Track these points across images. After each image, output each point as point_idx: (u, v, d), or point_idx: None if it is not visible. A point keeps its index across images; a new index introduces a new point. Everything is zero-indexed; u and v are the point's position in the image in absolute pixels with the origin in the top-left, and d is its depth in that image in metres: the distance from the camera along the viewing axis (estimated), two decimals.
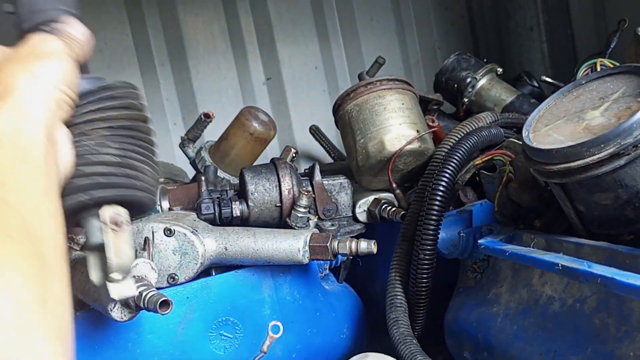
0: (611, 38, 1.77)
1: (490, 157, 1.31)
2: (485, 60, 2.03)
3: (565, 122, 1.03)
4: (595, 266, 0.87)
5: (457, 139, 1.42)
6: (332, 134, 2.26)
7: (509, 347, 1.07)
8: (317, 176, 1.49)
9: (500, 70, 1.97)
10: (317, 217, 1.47)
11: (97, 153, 0.67)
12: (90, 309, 1.15)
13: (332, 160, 2.26)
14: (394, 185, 1.52)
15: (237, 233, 1.28)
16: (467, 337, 1.22)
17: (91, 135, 0.68)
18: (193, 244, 1.24)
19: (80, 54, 0.68)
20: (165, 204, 1.47)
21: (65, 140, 0.64)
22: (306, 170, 1.59)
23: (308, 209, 1.41)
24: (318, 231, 1.33)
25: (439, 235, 1.26)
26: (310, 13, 2.62)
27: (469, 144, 1.34)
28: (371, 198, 1.56)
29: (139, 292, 1.02)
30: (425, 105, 1.74)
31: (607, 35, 1.82)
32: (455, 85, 1.95)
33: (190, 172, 2.07)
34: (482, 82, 1.95)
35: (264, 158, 1.85)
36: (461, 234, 1.29)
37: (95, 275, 0.72)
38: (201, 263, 1.25)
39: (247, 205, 1.42)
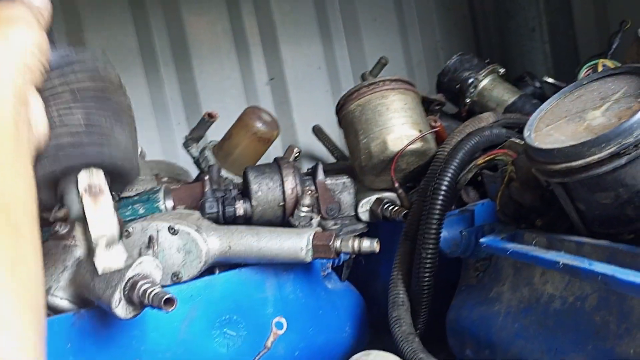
0: (613, 39, 1.78)
1: (492, 156, 1.32)
2: (487, 60, 2.03)
3: (567, 122, 1.04)
4: (596, 264, 0.88)
5: (459, 139, 1.42)
6: (335, 134, 2.27)
7: (511, 345, 1.08)
8: (320, 175, 1.50)
9: (502, 70, 1.98)
10: (320, 216, 1.48)
11: (61, 121, 0.66)
12: (95, 306, 1.16)
13: (334, 160, 2.27)
14: (397, 184, 1.52)
15: (240, 232, 1.29)
16: (469, 335, 1.22)
17: (56, 103, 0.67)
18: (197, 243, 1.25)
19: (43, 22, 0.66)
20: (169, 203, 1.48)
21: (39, 106, 0.63)
22: (309, 170, 1.60)
23: (311, 208, 1.42)
24: (321, 230, 1.33)
25: (441, 235, 1.27)
26: (313, 14, 2.64)
27: (471, 144, 1.35)
28: (374, 197, 1.57)
29: (143, 289, 1.03)
30: (427, 106, 1.74)
31: (609, 36, 1.83)
32: (458, 86, 1.95)
33: (194, 172, 2.08)
34: (484, 82, 1.95)
35: (266, 158, 1.86)
36: (463, 233, 1.29)
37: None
38: (205, 261, 1.26)
39: (251, 204, 1.43)
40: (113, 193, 0.72)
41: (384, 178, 1.56)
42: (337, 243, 1.23)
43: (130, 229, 1.28)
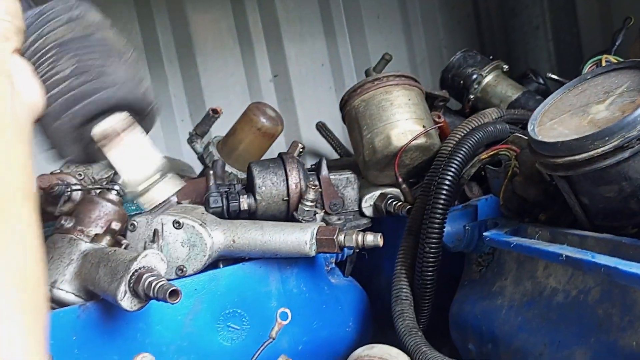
0: (616, 36, 1.78)
1: (495, 151, 1.32)
2: (491, 57, 2.04)
3: (571, 116, 1.04)
4: (598, 256, 0.88)
5: (463, 134, 1.43)
6: (338, 130, 2.27)
7: (513, 338, 1.09)
8: (324, 171, 1.51)
9: (506, 67, 1.98)
10: (323, 211, 1.48)
11: (55, 79, 0.64)
12: (100, 300, 1.16)
13: (338, 157, 2.28)
14: (400, 180, 1.53)
15: (244, 226, 1.29)
16: (471, 329, 1.23)
17: (44, 61, 0.64)
18: (201, 237, 1.25)
19: None
20: (174, 198, 1.48)
21: (26, 70, 0.60)
22: (313, 166, 1.61)
23: (315, 203, 1.42)
24: (324, 225, 1.34)
25: (445, 229, 1.27)
26: (317, 10, 2.64)
27: (474, 140, 1.35)
28: (377, 193, 1.58)
29: (148, 282, 1.03)
30: (431, 102, 1.75)
31: (613, 33, 1.83)
32: (462, 82, 1.96)
33: (197, 168, 2.09)
34: (488, 78, 1.96)
35: (270, 155, 1.86)
36: (466, 228, 1.30)
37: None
38: (209, 255, 1.26)
39: (255, 198, 1.44)
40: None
41: (388, 173, 1.57)
42: (341, 237, 1.23)
43: (135, 223, 1.28)
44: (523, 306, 1.10)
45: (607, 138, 0.92)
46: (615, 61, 1.49)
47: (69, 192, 1.41)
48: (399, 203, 1.50)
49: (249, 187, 1.47)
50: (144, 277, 1.04)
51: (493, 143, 1.41)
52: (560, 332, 0.98)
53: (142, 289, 1.03)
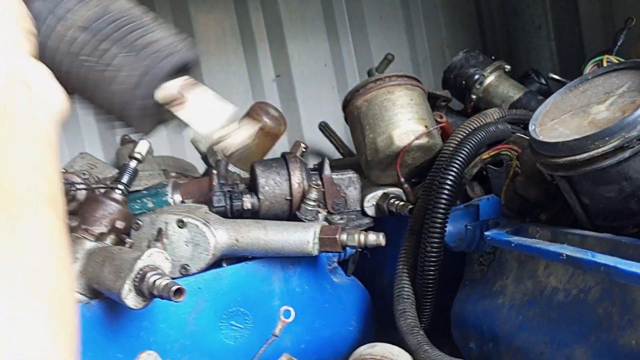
0: (618, 36, 1.79)
1: (497, 151, 1.33)
2: (493, 57, 2.04)
3: (571, 116, 1.05)
4: (599, 256, 0.89)
5: (464, 134, 1.43)
6: (341, 130, 2.28)
7: (514, 337, 1.09)
8: (327, 170, 1.52)
9: (508, 67, 1.99)
10: (326, 210, 1.49)
11: (102, 64, 0.64)
12: (104, 298, 1.18)
13: (340, 157, 2.28)
14: (402, 179, 1.54)
15: (248, 225, 1.30)
16: (472, 328, 1.24)
17: (78, 52, 0.64)
18: (205, 236, 1.26)
19: None
20: (177, 197, 1.50)
21: (44, 74, 0.59)
22: (315, 166, 1.62)
23: (317, 202, 1.43)
24: (327, 224, 1.35)
25: (446, 229, 1.28)
26: (320, 10, 2.64)
27: (476, 140, 1.36)
28: (379, 192, 1.58)
29: (153, 280, 1.05)
30: (433, 102, 1.75)
31: (614, 33, 1.84)
32: (464, 82, 1.96)
33: (201, 168, 2.09)
34: (490, 79, 1.96)
35: (273, 154, 1.87)
36: (468, 228, 1.31)
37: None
38: (213, 254, 1.27)
39: (258, 198, 1.45)
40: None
41: (390, 173, 1.57)
42: (344, 236, 1.24)
43: (139, 222, 1.29)
44: (524, 305, 1.11)
45: (607, 138, 0.92)
46: (617, 62, 1.50)
47: (73, 191, 1.42)
48: (401, 203, 1.51)
49: (252, 187, 1.48)
50: (149, 275, 1.05)
51: (495, 143, 1.41)
52: (560, 331, 0.99)
53: (146, 287, 1.04)
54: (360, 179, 1.58)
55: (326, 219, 1.47)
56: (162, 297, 1.03)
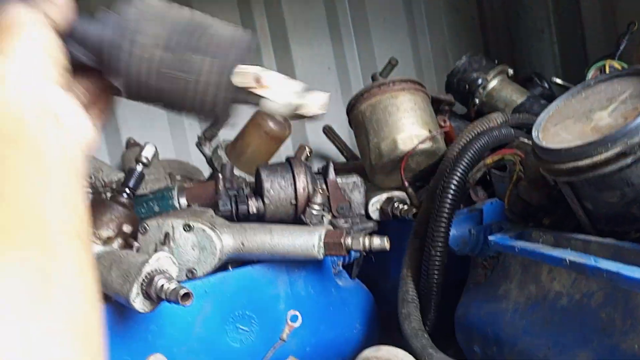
0: (620, 40, 1.80)
1: (500, 156, 1.34)
2: (496, 61, 2.05)
3: (574, 122, 1.06)
4: (601, 261, 0.90)
5: (468, 138, 1.44)
6: (344, 132, 2.29)
7: (518, 341, 1.10)
8: (331, 175, 1.53)
9: (511, 71, 2.00)
10: (330, 214, 1.50)
11: (185, 74, 0.67)
12: (112, 301, 1.19)
13: (344, 159, 2.30)
14: (406, 183, 1.55)
15: (253, 229, 1.31)
16: (476, 331, 1.25)
17: (157, 64, 0.66)
18: (211, 240, 1.28)
19: (60, 17, 0.61)
20: (183, 201, 1.51)
21: (75, 106, 0.59)
22: (319, 170, 1.63)
23: (322, 206, 1.44)
24: (332, 228, 1.36)
25: (450, 233, 1.29)
26: (324, 14, 2.66)
27: (480, 144, 1.36)
28: (384, 196, 1.60)
29: (160, 284, 1.06)
30: (437, 106, 1.76)
31: (617, 37, 1.85)
32: (467, 86, 1.97)
33: (206, 171, 2.11)
34: (493, 83, 1.97)
35: (277, 157, 1.89)
36: (472, 232, 1.31)
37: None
38: (219, 258, 1.28)
39: (263, 202, 1.46)
40: None
41: (394, 177, 1.59)
42: (349, 240, 1.26)
43: (146, 226, 1.30)
44: (527, 309, 1.12)
45: (609, 145, 0.93)
46: (619, 67, 1.51)
47: None
48: (405, 207, 1.52)
49: (258, 191, 1.50)
50: (156, 279, 1.06)
51: (498, 147, 1.42)
52: (563, 335, 1.00)
53: (154, 291, 1.06)
54: (365, 183, 1.60)
55: (331, 223, 1.48)
56: (169, 301, 1.04)
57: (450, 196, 1.28)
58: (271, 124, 1.81)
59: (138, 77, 0.67)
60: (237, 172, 1.78)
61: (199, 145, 1.94)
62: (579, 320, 0.98)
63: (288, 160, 1.54)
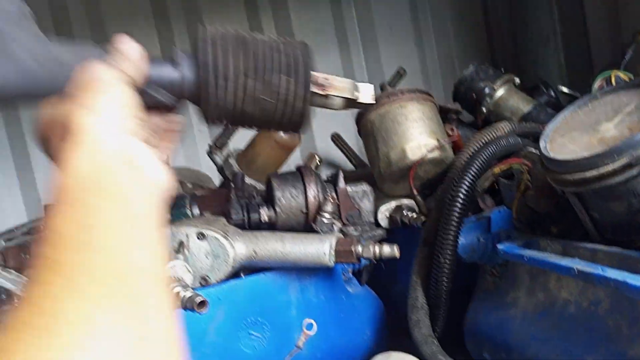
0: (626, 50, 1.81)
1: (508, 165, 1.36)
2: (502, 70, 2.07)
3: (581, 133, 1.08)
4: (609, 270, 0.92)
5: (476, 147, 1.46)
6: (352, 140, 2.31)
7: (526, 348, 1.13)
8: (341, 183, 1.55)
9: (517, 80, 2.02)
10: (340, 222, 1.53)
11: (273, 96, 0.71)
12: None
13: (352, 167, 2.32)
14: (415, 192, 1.57)
15: (265, 237, 1.34)
16: (486, 338, 1.27)
17: (257, 94, 0.71)
18: (224, 248, 1.30)
19: (135, 72, 0.65)
20: (196, 209, 1.54)
21: (151, 155, 0.61)
22: (329, 178, 1.65)
23: (333, 215, 1.46)
24: (342, 236, 1.38)
25: (459, 241, 1.31)
26: (331, 23, 2.69)
27: (487, 153, 1.38)
28: (393, 204, 1.62)
29: (176, 292, 1.08)
30: (444, 115, 1.79)
31: (622, 46, 1.86)
32: (474, 95, 1.99)
33: (216, 178, 2.13)
34: (500, 92, 1.99)
35: (287, 165, 1.91)
36: (480, 240, 1.34)
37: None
38: (232, 266, 1.31)
39: (275, 210, 1.48)
40: None
41: (403, 185, 1.61)
42: (359, 248, 1.28)
43: None
44: (536, 317, 1.14)
45: (615, 156, 0.96)
46: (625, 78, 1.53)
47: None
48: (414, 215, 1.54)
49: (269, 199, 1.52)
50: (172, 287, 1.09)
51: (506, 156, 1.44)
52: (571, 343, 1.02)
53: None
54: (374, 191, 1.62)
55: (341, 231, 1.50)
56: (185, 309, 1.06)
57: (458, 204, 1.30)
58: (281, 134, 1.84)
59: (231, 107, 0.72)
60: (248, 180, 1.80)
61: (210, 153, 1.96)
62: (587, 328, 1.00)
63: (299, 169, 1.57)
